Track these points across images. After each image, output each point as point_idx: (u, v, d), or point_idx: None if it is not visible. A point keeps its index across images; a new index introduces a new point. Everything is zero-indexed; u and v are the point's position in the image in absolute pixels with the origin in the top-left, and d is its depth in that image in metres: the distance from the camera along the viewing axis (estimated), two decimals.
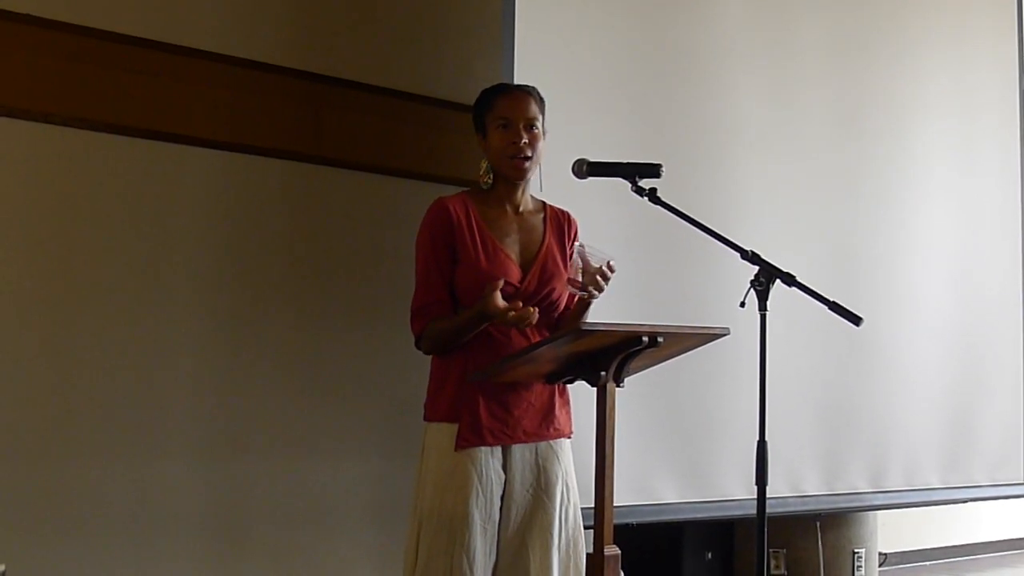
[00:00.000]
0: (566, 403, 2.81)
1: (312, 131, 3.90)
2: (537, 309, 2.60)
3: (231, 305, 3.72)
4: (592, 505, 2.59)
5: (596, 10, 3.93)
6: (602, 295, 2.67)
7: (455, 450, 2.64)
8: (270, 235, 3.80)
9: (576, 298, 2.74)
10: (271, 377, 3.77)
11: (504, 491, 2.69)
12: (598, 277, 2.61)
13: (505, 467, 2.69)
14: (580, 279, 2.62)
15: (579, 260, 2.61)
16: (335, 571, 3.88)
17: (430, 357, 2.77)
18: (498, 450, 2.68)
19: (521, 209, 2.80)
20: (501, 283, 2.59)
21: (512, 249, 2.74)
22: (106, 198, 3.50)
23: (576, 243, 2.75)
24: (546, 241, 2.79)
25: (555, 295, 2.76)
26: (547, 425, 2.75)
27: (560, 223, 2.85)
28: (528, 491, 2.71)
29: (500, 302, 2.56)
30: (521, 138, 2.72)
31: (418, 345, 2.74)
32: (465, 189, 2.82)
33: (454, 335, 2.66)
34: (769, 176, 4.37)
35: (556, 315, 2.80)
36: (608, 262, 2.61)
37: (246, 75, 3.75)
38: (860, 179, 4.71)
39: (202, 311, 3.65)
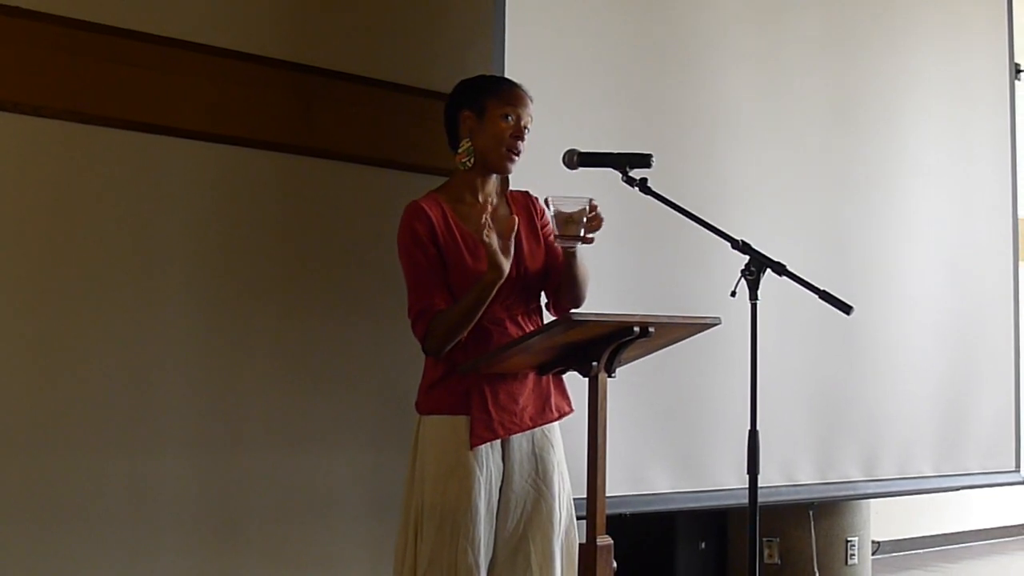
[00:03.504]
0: (561, 381, 2.79)
1: (303, 123, 3.89)
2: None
3: (222, 297, 3.71)
4: (584, 495, 2.59)
5: (586, 1, 3.92)
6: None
7: (470, 449, 2.61)
8: (261, 227, 3.80)
9: (563, 252, 2.69)
10: (263, 369, 3.77)
11: (502, 482, 2.68)
12: (585, 220, 2.56)
13: (503, 458, 2.68)
14: (567, 232, 2.57)
15: (553, 217, 2.56)
16: (330, 564, 3.89)
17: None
18: (497, 442, 2.67)
19: (489, 200, 2.78)
20: (487, 216, 2.55)
21: None
22: (96, 191, 3.49)
23: (544, 206, 2.69)
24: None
25: (538, 277, 2.76)
26: (548, 409, 2.74)
27: (526, 205, 2.84)
28: (527, 482, 2.70)
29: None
30: (522, 135, 2.72)
31: (425, 348, 2.68)
32: (431, 189, 2.80)
33: (465, 316, 2.60)
34: (760, 166, 4.37)
35: (550, 286, 2.78)
36: (589, 202, 2.56)
37: (236, 67, 3.74)
38: (852, 169, 4.71)
39: (193, 303, 3.65)
